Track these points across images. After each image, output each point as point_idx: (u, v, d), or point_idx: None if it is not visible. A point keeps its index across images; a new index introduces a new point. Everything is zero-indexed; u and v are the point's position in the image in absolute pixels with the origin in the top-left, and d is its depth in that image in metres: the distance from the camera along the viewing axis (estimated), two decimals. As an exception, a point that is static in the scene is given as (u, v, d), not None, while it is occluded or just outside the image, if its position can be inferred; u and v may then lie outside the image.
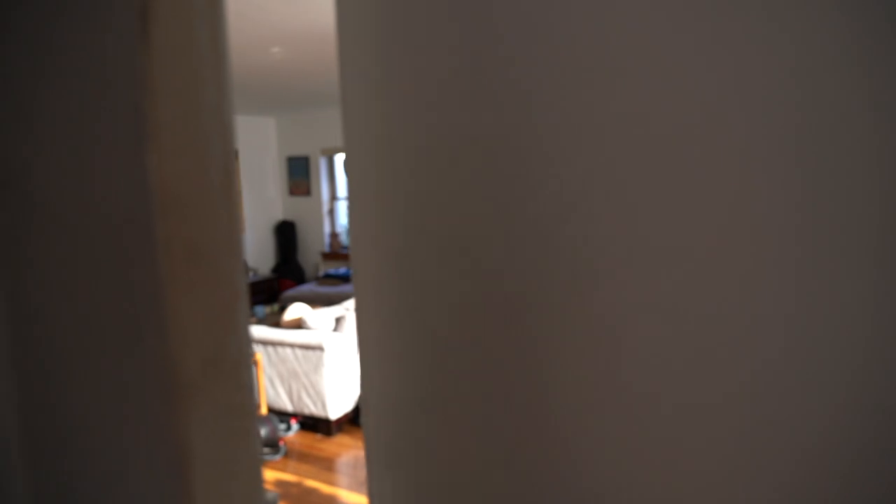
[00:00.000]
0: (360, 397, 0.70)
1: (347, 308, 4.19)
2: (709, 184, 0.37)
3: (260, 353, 4.02)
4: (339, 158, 7.52)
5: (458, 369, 0.46)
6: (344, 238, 7.80)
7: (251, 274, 7.08)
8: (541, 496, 0.43)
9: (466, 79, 0.42)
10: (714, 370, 0.38)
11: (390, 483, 0.54)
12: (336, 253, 7.46)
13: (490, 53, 0.41)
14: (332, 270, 7.04)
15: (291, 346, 3.91)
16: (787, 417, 0.37)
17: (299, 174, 7.59)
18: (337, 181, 7.65)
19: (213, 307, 0.30)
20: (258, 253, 7.46)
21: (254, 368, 3.79)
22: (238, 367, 0.31)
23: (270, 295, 6.96)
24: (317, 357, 3.82)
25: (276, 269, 7.56)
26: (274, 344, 3.98)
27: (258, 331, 4.07)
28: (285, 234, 7.58)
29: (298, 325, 4.07)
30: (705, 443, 0.39)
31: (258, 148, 7.46)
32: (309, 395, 3.89)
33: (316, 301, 6.35)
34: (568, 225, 0.40)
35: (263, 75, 4.79)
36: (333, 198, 7.63)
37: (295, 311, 4.16)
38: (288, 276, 7.42)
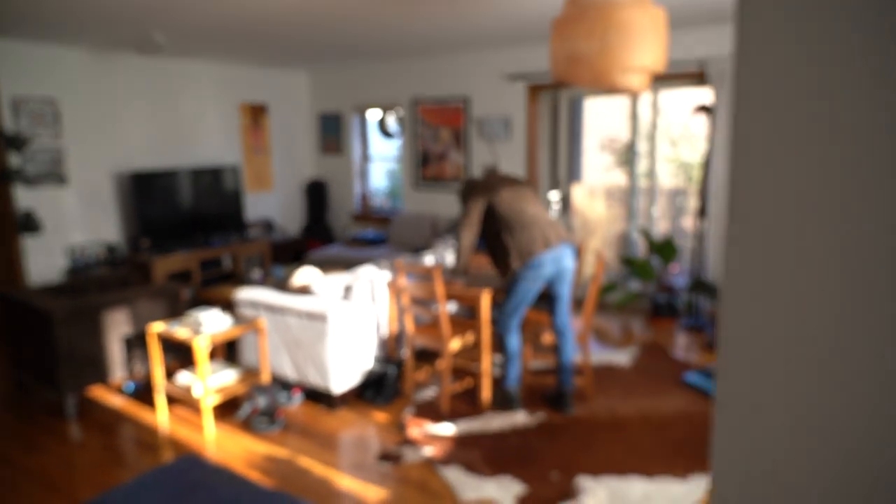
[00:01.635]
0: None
1: (359, 275, 3.91)
2: None
3: (265, 318, 3.80)
4: (372, 115, 7.19)
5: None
6: (375, 200, 7.51)
7: (277, 233, 6.89)
8: None
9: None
10: None
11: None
12: (367, 215, 7.20)
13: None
14: (360, 233, 6.78)
15: (296, 313, 3.67)
16: None
17: (331, 131, 7.31)
18: (369, 140, 7.34)
19: None
20: (286, 212, 7.27)
21: (257, 335, 3.50)
22: None
23: (296, 255, 6.77)
24: (321, 327, 3.57)
25: (305, 230, 7.37)
26: (279, 310, 3.75)
27: (263, 295, 3.85)
28: (316, 193, 7.35)
29: (306, 291, 3.82)
30: None
31: (289, 103, 7.19)
32: (314, 366, 3.66)
33: (339, 264, 6.12)
34: None
35: (297, 24, 4.48)
36: (365, 158, 7.33)
37: (304, 275, 3.91)
38: (316, 237, 7.22)
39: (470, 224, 3.49)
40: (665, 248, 5.11)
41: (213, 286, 5.46)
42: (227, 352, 4.36)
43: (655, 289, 5.29)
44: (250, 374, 3.75)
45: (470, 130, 6.24)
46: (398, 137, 5.77)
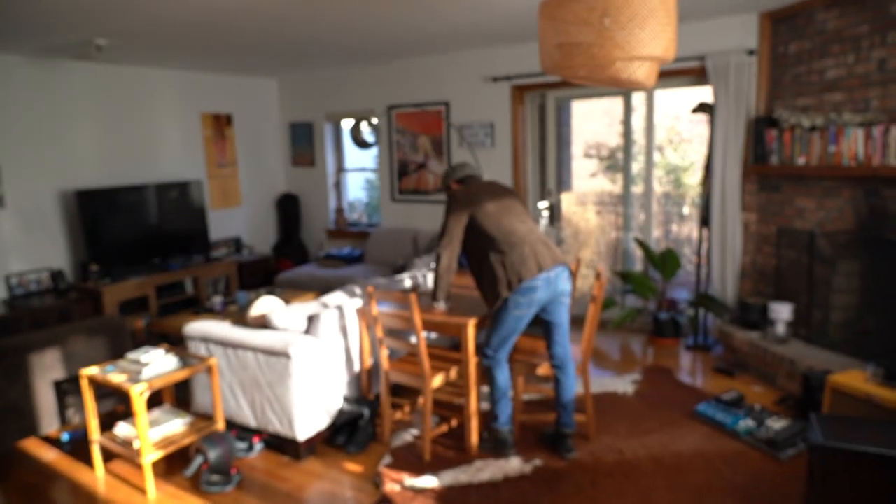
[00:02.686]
0: None
1: (326, 304, 3.43)
2: None
3: (219, 355, 3.31)
4: (346, 124, 6.73)
5: None
6: (349, 213, 7.04)
7: (246, 252, 6.39)
8: None
9: None
10: None
11: None
12: (342, 230, 6.72)
13: None
14: (334, 250, 6.30)
15: (253, 349, 3.19)
16: None
17: (303, 142, 6.84)
18: (344, 150, 6.87)
19: None
20: (256, 229, 6.77)
21: (207, 375, 2.90)
22: None
23: (266, 277, 6.27)
24: (282, 366, 3.09)
25: (277, 248, 6.87)
26: (234, 346, 3.26)
27: (215, 328, 3.35)
28: (287, 208, 6.86)
29: (264, 323, 3.33)
30: None
31: (257, 112, 6.71)
32: (276, 410, 3.17)
33: (311, 286, 5.64)
34: None
35: (256, 29, 4.02)
36: (340, 169, 6.86)
37: (262, 305, 3.43)
38: (288, 256, 6.72)
39: (450, 243, 3.04)
40: (666, 261, 4.68)
41: (171, 315, 4.95)
42: (179, 393, 3.85)
43: (656, 305, 4.86)
44: (202, 420, 3.25)
45: (450, 137, 5.81)
46: (374, 146, 5.30)
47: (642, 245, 4.90)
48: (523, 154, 5.47)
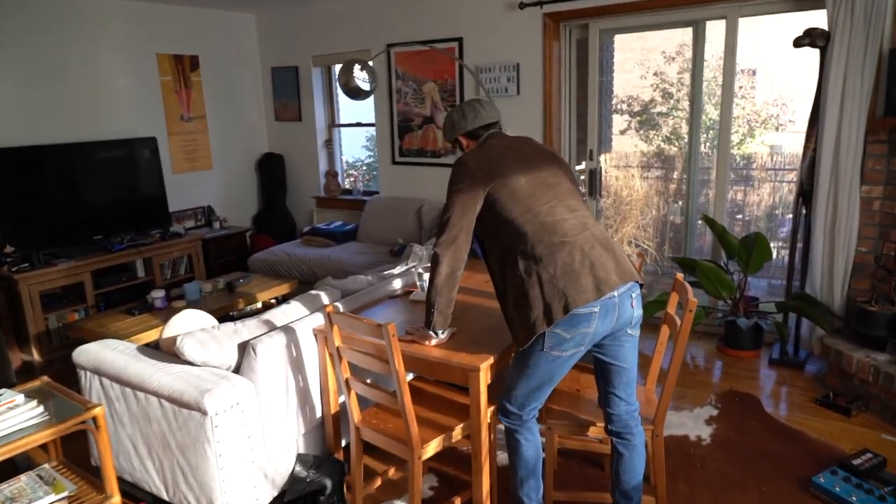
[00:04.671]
0: None
1: (271, 321, 2.35)
2: None
3: (116, 396, 2.26)
4: (341, 70, 5.53)
5: None
6: (346, 178, 5.91)
7: (216, 225, 5.32)
8: None
9: None
10: None
11: None
12: (333, 199, 5.60)
13: None
14: (321, 225, 5.20)
15: (156, 394, 2.13)
16: None
17: (287, 92, 5.67)
18: (337, 101, 5.70)
19: None
20: (232, 197, 5.67)
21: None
22: None
23: (240, 256, 5.20)
24: (196, 424, 2.03)
25: (257, 219, 5.79)
26: (133, 386, 2.21)
27: (110, 358, 2.29)
28: (270, 171, 5.75)
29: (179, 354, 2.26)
30: None
31: (230, 54, 5.53)
32: (188, 484, 2.14)
33: (290, 271, 4.58)
34: None
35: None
36: (333, 124, 5.70)
37: (178, 323, 2.35)
38: (269, 230, 5.65)
39: (452, 241, 1.91)
40: (751, 249, 3.50)
41: (102, 313, 3.94)
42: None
43: (731, 306, 3.70)
44: (93, 490, 2.23)
45: (464, 84, 4.60)
46: (370, 95, 4.11)
47: (715, 226, 3.72)
48: (557, 104, 4.25)
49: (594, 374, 2.02)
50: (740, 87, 6.73)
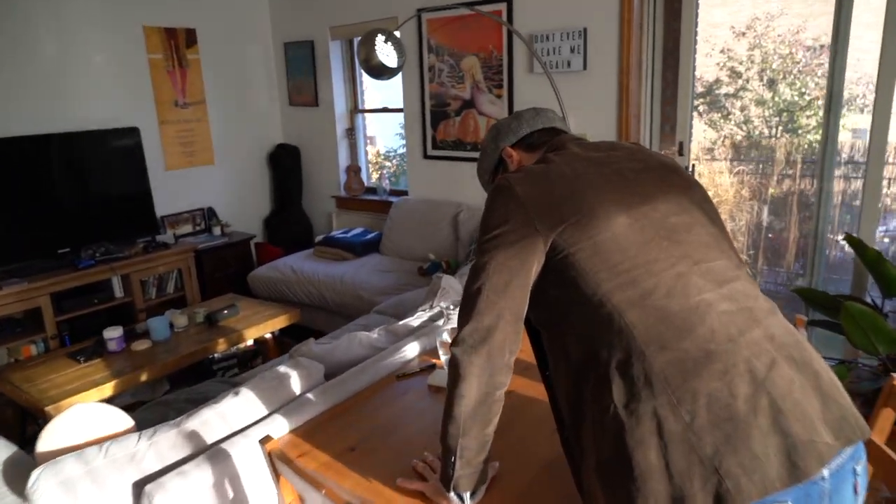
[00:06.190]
0: None
1: (195, 445, 1.47)
2: None
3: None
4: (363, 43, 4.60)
5: None
6: (367, 174, 5.02)
7: (217, 231, 4.49)
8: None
9: None
10: None
11: None
12: (355, 199, 4.71)
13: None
14: (337, 233, 4.31)
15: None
16: None
17: (302, 71, 4.79)
18: (360, 81, 4.79)
19: None
20: (238, 197, 4.84)
21: None
22: None
23: (243, 270, 4.36)
24: None
25: (269, 221, 4.96)
26: (-27, 543, 1.36)
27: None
28: (283, 166, 4.90)
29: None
30: None
31: (237, 28, 4.67)
32: None
33: (294, 292, 3.74)
34: None
35: None
36: (355, 109, 4.80)
37: (58, 430, 1.49)
38: (280, 235, 4.81)
39: (484, 339, 0.98)
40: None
41: (54, 353, 3.17)
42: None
43: (882, 363, 2.63)
44: None
45: (513, 58, 3.62)
46: (397, 73, 3.16)
47: (866, 251, 2.64)
48: (637, 82, 3.23)
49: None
50: (819, 65, 5.51)
